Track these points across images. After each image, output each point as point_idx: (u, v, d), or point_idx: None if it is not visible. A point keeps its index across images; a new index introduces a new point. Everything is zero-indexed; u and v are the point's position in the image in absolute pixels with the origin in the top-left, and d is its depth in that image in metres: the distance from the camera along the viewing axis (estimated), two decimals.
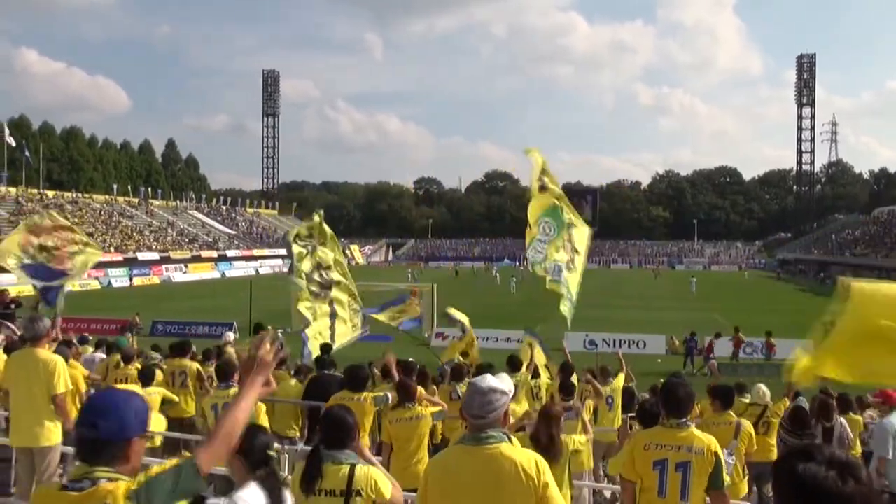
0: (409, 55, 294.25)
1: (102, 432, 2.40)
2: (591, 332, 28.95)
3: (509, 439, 3.34)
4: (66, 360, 7.06)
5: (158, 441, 8.76)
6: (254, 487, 3.38)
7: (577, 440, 5.76)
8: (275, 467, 3.68)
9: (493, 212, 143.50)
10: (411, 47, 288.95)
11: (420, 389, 7.56)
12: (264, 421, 7.60)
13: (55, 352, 7.09)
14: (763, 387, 8.55)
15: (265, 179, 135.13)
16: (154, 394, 8.90)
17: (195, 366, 9.69)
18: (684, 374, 21.33)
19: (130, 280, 65.57)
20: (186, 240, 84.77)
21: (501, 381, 3.40)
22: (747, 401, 8.61)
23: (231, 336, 11.32)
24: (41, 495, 2.57)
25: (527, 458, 3.28)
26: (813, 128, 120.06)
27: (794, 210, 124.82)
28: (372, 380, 8.98)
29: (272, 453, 3.68)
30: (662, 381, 14.37)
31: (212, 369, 10.61)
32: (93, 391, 11.03)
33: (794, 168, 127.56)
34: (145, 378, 9.01)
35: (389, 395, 7.34)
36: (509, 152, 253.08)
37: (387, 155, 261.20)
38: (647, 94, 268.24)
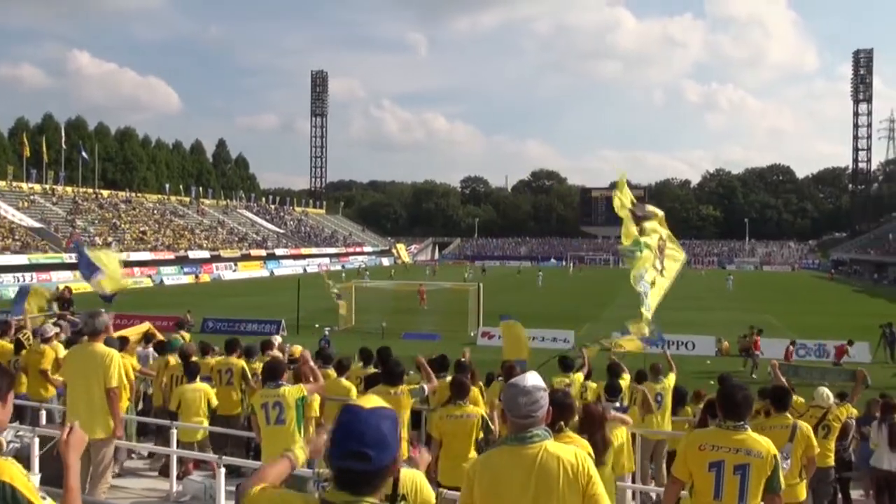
0: (453, 53, 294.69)
1: (375, 463, 2.22)
2: None
3: (551, 436, 3.35)
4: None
5: (200, 435, 8.96)
6: None
7: (618, 434, 5.73)
8: None
9: (540, 211, 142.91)
10: (456, 45, 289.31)
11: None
12: (316, 412, 7.76)
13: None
14: (826, 390, 8.37)
15: (313, 179, 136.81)
16: (200, 390, 9.10)
17: (241, 363, 9.87)
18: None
19: (190, 277, 66.80)
20: (236, 238, 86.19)
21: (538, 378, 3.40)
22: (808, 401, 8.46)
23: (278, 339, 11.43)
24: None
25: (572, 455, 3.30)
26: (870, 125, 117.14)
27: (850, 209, 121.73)
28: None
29: None
30: (712, 382, 14.19)
31: (255, 365, 10.81)
32: (147, 387, 11.33)
33: (850, 166, 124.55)
34: (191, 374, 9.23)
35: (426, 388, 7.44)
36: (556, 150, 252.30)
37: (433, 154, 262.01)
38: (697, 90, 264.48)
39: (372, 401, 2.35)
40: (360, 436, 2.22)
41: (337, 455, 2.24)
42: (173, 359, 10.67)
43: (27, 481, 2.74)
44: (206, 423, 9.05)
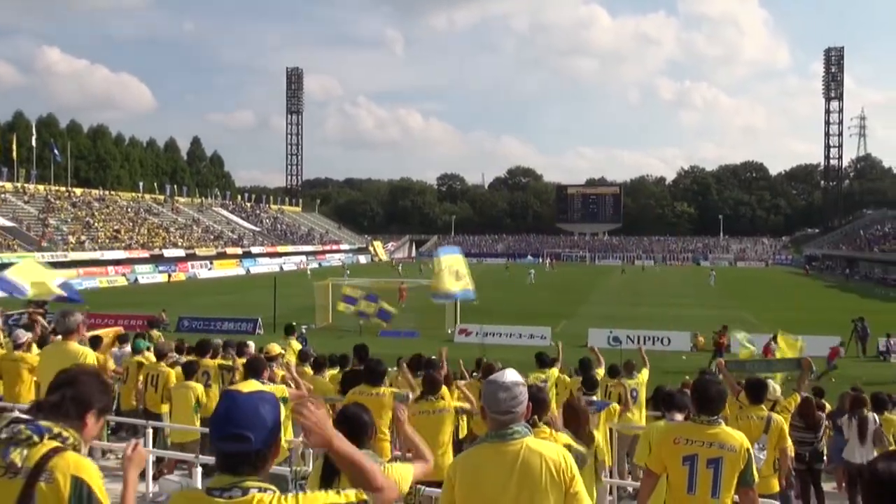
0: (429, 51, 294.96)
1: (255, 444, 2.29)
2: (616, 328, 28.87)
3: (532, 432, 3.35)
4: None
5: (191, 437, 8.89)
6: None
7: (597, 435, 5.78)
8: None
9: (516, 208, 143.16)
10: (432, 43, 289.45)
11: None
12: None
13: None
14: (773, 382, 8.51)
15: (289, 176, 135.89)
16: (196, 387, 9.04)
17: (214, 364, 9.82)
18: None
19: (163, 276, 66.15)
20: (211, 237, 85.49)
21: (517, 374, 3.41)
22: None
23: (251, 345, 11.36)
24: (185, 499, 2.44)
25: (554, 451, 3.29)
26: (841, 122, 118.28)
27: (822, 205, 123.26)
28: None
29: None
30: (687, 377, 14.32)
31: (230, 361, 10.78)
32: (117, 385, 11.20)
33: (822, 163, 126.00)
34: (189, 372, 9.21)
35: (410, 394, 7.41)
36: (532, 147, 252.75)
37: (409, 151, 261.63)
38: (671, 87, 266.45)
39: (251, 385, 2.41)
40: (238, 419, 2.28)
41: (217, 438, 2.30)
42: (146, 359, 10.57)
43: (102, 484, 2.68)
44: (197, 424, 8.98)
